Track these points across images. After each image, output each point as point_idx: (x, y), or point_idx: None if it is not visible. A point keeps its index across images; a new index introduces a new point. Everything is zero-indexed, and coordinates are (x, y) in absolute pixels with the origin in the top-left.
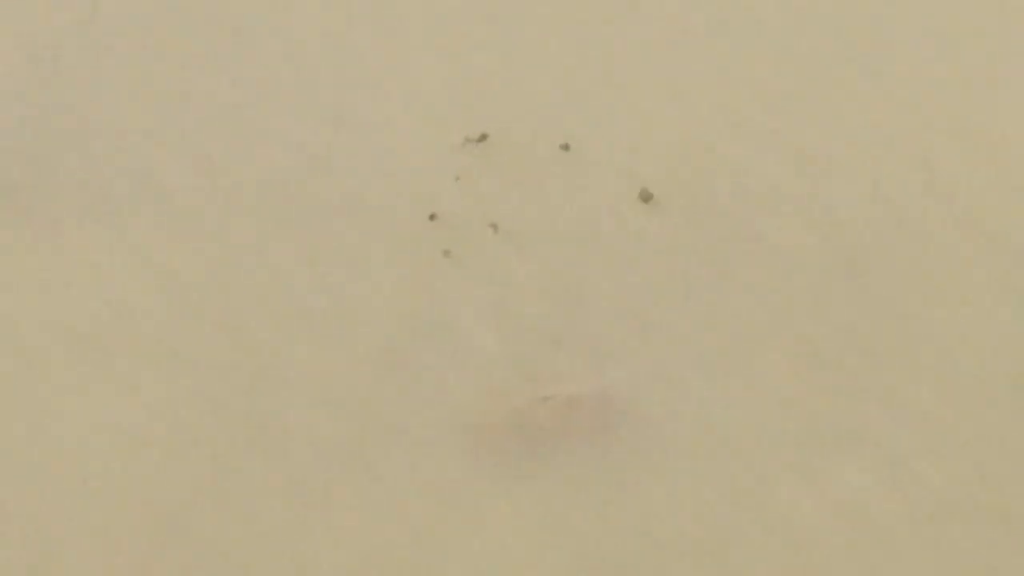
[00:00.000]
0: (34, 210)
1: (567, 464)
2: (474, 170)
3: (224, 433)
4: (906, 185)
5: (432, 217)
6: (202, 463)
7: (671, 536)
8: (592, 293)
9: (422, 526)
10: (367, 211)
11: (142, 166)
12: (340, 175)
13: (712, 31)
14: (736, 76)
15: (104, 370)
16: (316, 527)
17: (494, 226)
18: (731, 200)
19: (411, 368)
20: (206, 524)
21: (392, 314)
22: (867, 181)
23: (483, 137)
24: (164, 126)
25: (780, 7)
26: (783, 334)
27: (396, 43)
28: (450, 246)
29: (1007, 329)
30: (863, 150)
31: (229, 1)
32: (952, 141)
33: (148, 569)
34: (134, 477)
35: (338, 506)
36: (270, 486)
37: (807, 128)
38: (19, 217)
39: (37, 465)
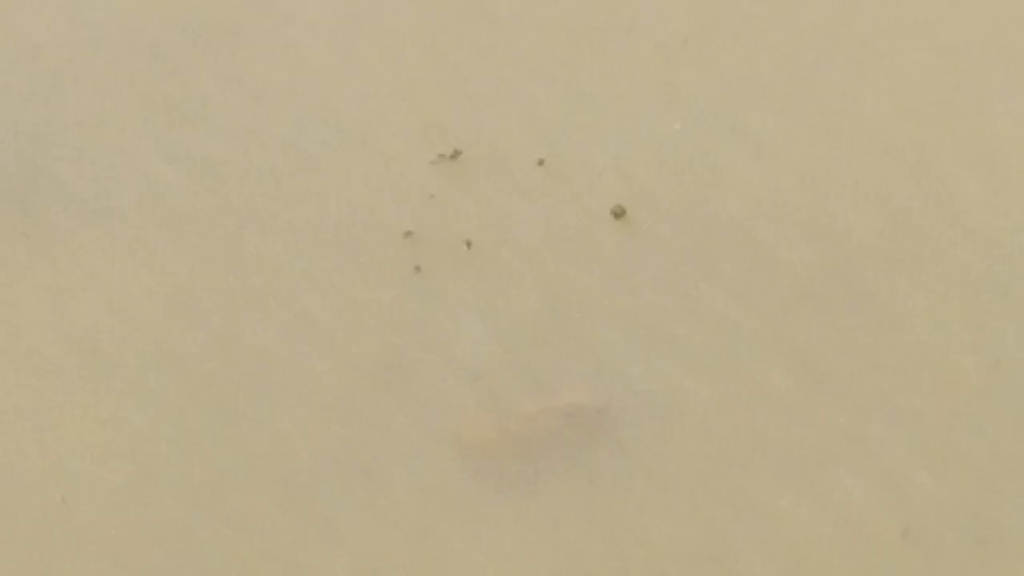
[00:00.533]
0: (29, 215)
1: (563, 473)
2: (449, 187)
3: (220, 441)
4: (905, 192)
5: (407, 235)
6: (199, 470)
7: (668, 544)
8: (572, 305)
9: (418, 534)
10: (341, 229)
11: (132, 171)
12: (314, 193)
13: (694, 45)
14: (719, 90)
15: (101, 378)
16: (311, 536)
17: (468, 243)
18: (716, 213)
19: (397, 381)
20: (203, 530)
21: (373, 329)
22: (863, 189)
23: (456, 154)
24: (152, 130)
25: (766, 21)
26: (777, 341)
27: (368, 59)
28: (423, 263)
29: (1008, 341)
30: (858, 159)
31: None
32: (953, 148)
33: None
34: (132, 483)
35: (333, 514)
36: (266, 495)
37: (797, 138)
38: (13, 222)
39: (36, 471)
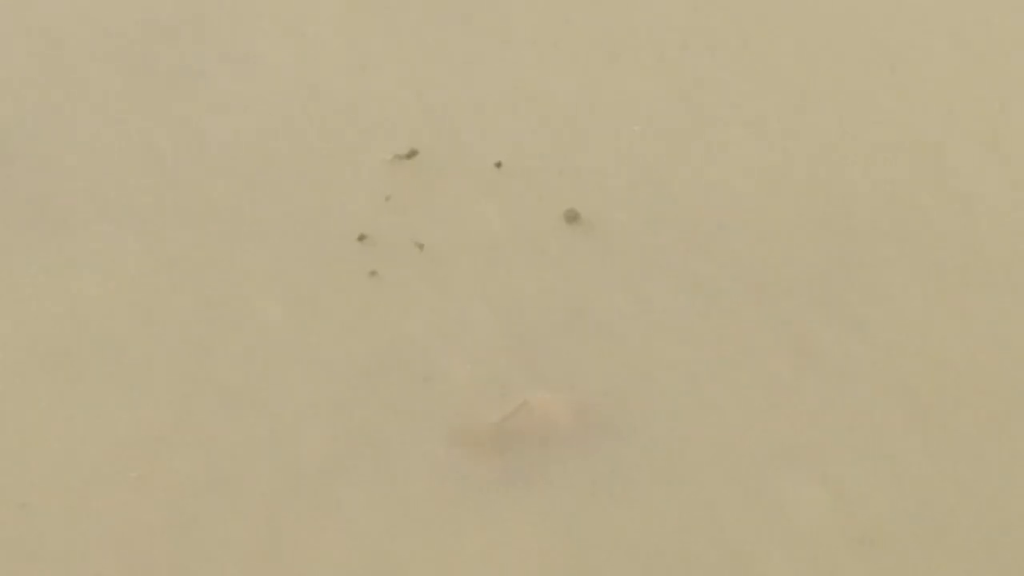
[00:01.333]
0: (31, 204)
1: (545, 475)
2: (405, 189)
3: (201, 447)
4: (913, 181)
5: (361, 238)
6: (201, 462)
7: (652, 545)
8: (527, 309)
9: (405, 534)
10: (295, 232)
11: (94, 175)
12: (268, 194)
13: (652, 49)
14: (677, 93)
15: (73, 387)
16: (297, 539)
17: (420, 245)
18: (675, 215)
19: (369, 386)
20: (204, 521)
21: (329, 335)
22: (819, 193)
23: (412, 153)
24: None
25: (726, 22)
26: (733, 342)
27: (324, 59)
28: (379, 267)
29: (1015, 341)
30: (815, 161)
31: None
32: (962, 135)
33: None
34: (112, 499)
35: (319, 517)
36: (251, 500)
37: (756, 139)
38: (16, 211)
39: (40, 459)
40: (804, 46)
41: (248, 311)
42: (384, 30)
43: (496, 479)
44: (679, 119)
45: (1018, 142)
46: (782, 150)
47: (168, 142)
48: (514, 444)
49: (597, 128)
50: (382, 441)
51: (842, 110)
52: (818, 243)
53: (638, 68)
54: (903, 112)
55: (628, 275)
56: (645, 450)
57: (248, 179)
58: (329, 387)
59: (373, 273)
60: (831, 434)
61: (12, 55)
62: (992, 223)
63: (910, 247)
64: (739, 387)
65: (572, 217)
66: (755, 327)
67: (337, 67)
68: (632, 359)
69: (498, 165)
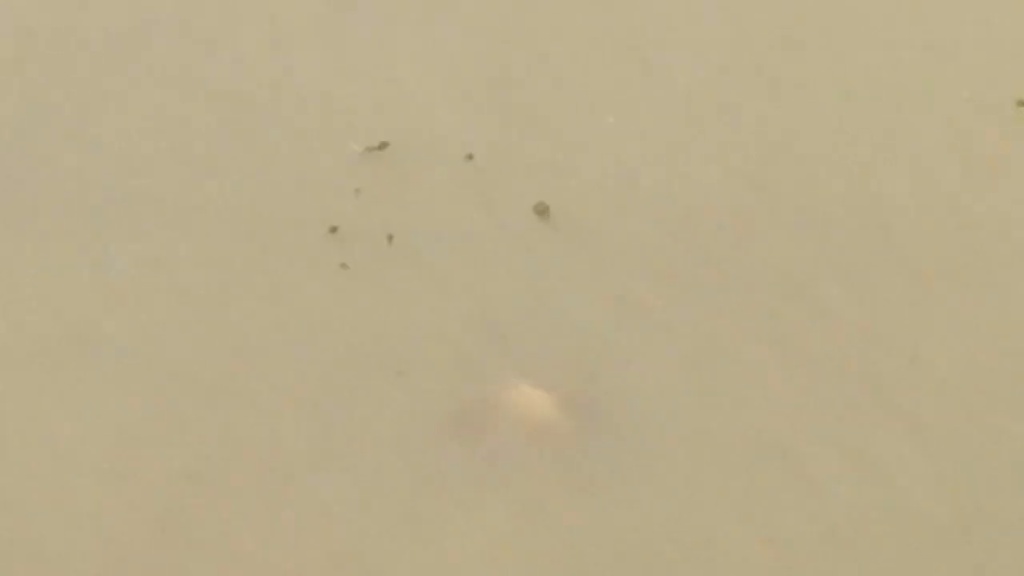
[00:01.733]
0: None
1: (524, 468)
2: (376, 181)
3: (188, 443)
4: (894, 180)
5: (333, 230)
6: (185, 456)
7: (649, 538)
8: (498, 304)
9: (381, 527)
10: (266, 223)
11: (66, 171)
12: (236, 186)
13: (627, 40)
14: (652, 84)
15: (51, 383)
16: (286, 528)
17: (389, 237)
18: (649, 210)
19: (342, 379)
20: (188, 514)
21: (300, 330)
22: (798, 187)
23: (383, 145)
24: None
25: (698, 15)
26: (707, 336)
27: (293, 47)
28: (350, 260)
29: (1000, 335)
30: (793, 155)
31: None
32: (936, 126)
33: None
34: (89, 493)
35: (306, 508)
36: (239, 491)
37: (731, 135)
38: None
39: (24, 455)
40: (777, 35)
41: (218, 304)
42: (355, 21)
43: (474, 472)
44: (653, 111)
45: (990, 138)
46: (757, 142)
47: (137, 134)
48: (492, 437)
49: (570, 121)
50: (355, 435)
51: (817, 100)
52: (794, 235)
53: (610, 61)
54: (878, 102)
55: (601, 267)
56: (624, 442)
57: (217, 170)
58: (301, 380)
59: (344, 266)
60: (808, 426)
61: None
62: (968, 218)
63: (887, 239)
64: (717, 378)
65: (542, 210)
66: (731, 319)
67: (308, 58)
68: (609, 351)
69: (469, 157)
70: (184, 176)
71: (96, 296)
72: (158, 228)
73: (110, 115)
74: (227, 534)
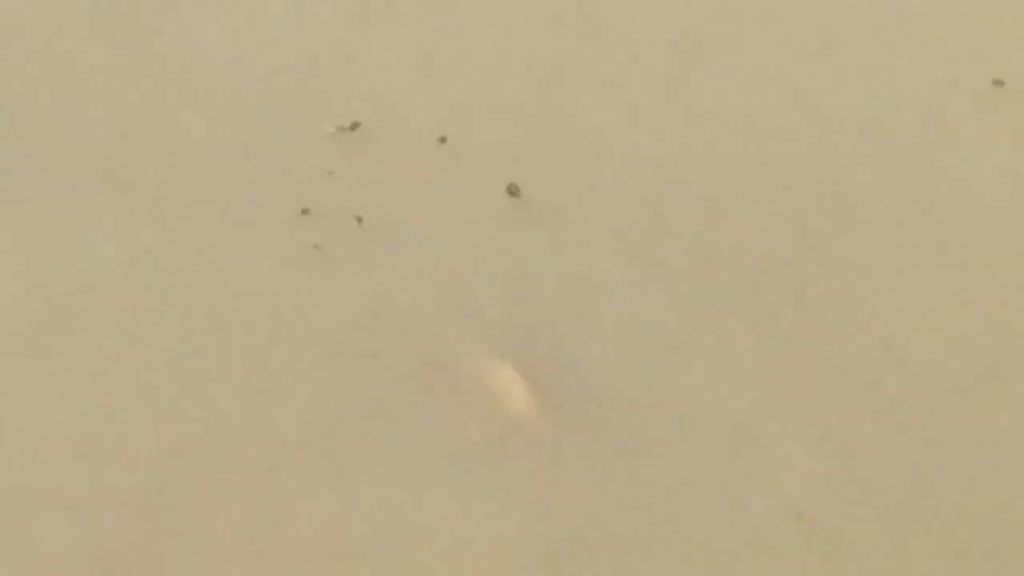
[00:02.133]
0: None
1: (503, 449)
2: (348, 163)
3: (173, 432)
4: (867, 160)
5: (304, 212)
6: (154, 462)
7: (634, 519)
8: (469, 283)
9: (374, 505)
10: (239, 204)
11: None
12: (210, 168)
13: (595, 19)
14: (623, 65)
15: (38, 368)
16: (282, 513)
17: (359, 218)
18: (619, 189)
19: (313, 360)
20: (176, 498)
21: (283, 310)
22: (761, 162)
23: (355, 126)
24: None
25: None
26: (678, 311)
27: (267, 30)
28: (322, 240)
29: (969, 317)
30: (754, 133)
31: None
32: (905, 103)
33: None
34: (77, 480)
35: (304, 492)
36: (229, 479)
37: (700, 114)
38: None
39: (10, 439)
40: (751, 13)
41: (193, 287)
42: (328, 3)
43: (451, 455)
44: (627, 92)
45: (965, 117)
46: (731, 122)
47: (112, 117)
48: (467, 419)
49: (543, 103)
50: (331, 417)
51: (790, 79)
52: (767, 217)
53: (584, 42)
54: (853, 81)
55: (574, 248)
56: (597, 422)
57: (191, 152)
58: (276, 362)
59: (316, 247)
60: (780, 408)
61: None
62: (941, 198)
63: (859, 220)
64: (689, 359)
65: (514, 191)
66: (703, 301)
67: (281, 40)
68: (582, 331)
69: (442, 140)
70: (157, 158)
71: (74, 278)
72: (134, 210)
73: (86, 99)
74: (208, 515)
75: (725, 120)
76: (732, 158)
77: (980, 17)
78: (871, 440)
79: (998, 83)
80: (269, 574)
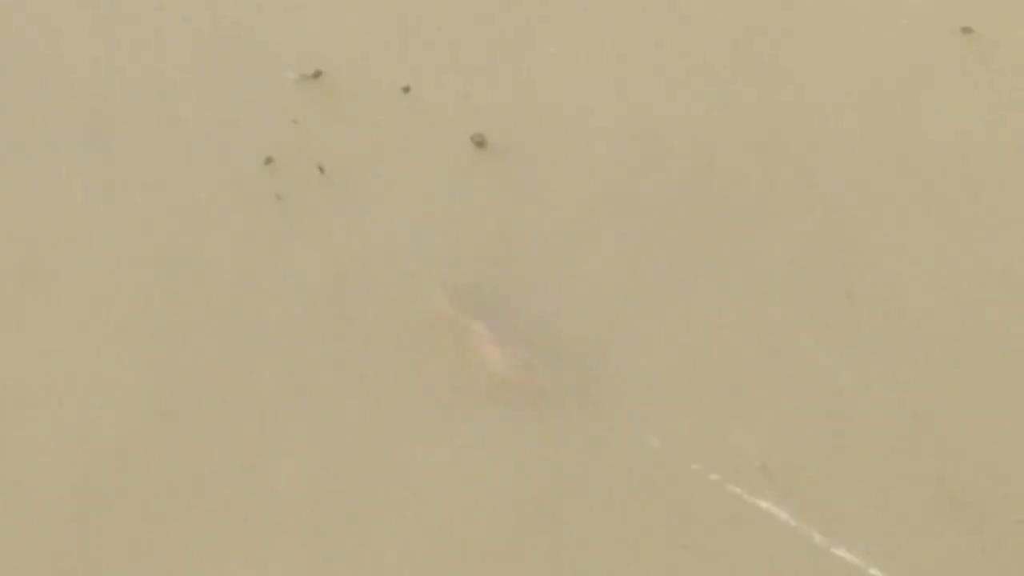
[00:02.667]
0: None
1: (477, 408)
2: (312, 112)
3: (155, 382)
4: (835, 107)
5: (267, 161)
6: (152, 396)
7: (609, 475)
8: (433, 234)
9: (360, 457)
10: (200, 154)
11: None
12: (174, 116)
13: None
14: (592, 15)
15: (18, 320)
16: (262, 461)
17: (321, 167)
18: (583, 142)
19: (278, 312)
20: (155, 453)
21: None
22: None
23: (317, 74)
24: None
25: None
26: (641, 264)
27: None
28: (284, 191)
29: (937, 266)
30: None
31: None
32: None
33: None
34: (63, 435)
35: (285, 438)
36: (211, 428)
37: (672, 67)
38: None
39: None
40: None
41: (153, 235)
42: None
43: (430, 407)
44: (597, 43)
45: (934, 66)
46: (706, 75)
47: (78, 67)
48: (436, 375)
49: (509, 52)
50: (291, 372)
51: (758, 26)
52: (746, 168)
53: None
54: (820, 29)
55: (539, 197)
56: (578, 376)
57: (152, 100)
58: (236, 313)
59: (279, 197)
60: (759, 360)
61: None
62: (909, 148)
63: (827, 170)
64: (670, 311)
65: (479, 141)
66: (680, 251)
67: None
68: (549, 280)
69: (406, 89)
70: (118, 108)
71: (44, 231)
72: (98, 160)
73: (55, 47)
74: (195, 469)
75: (697, 68)
76: (705, 107)
77: None
78: (850, 393)
79: (966, 30)
80: (252, 519)
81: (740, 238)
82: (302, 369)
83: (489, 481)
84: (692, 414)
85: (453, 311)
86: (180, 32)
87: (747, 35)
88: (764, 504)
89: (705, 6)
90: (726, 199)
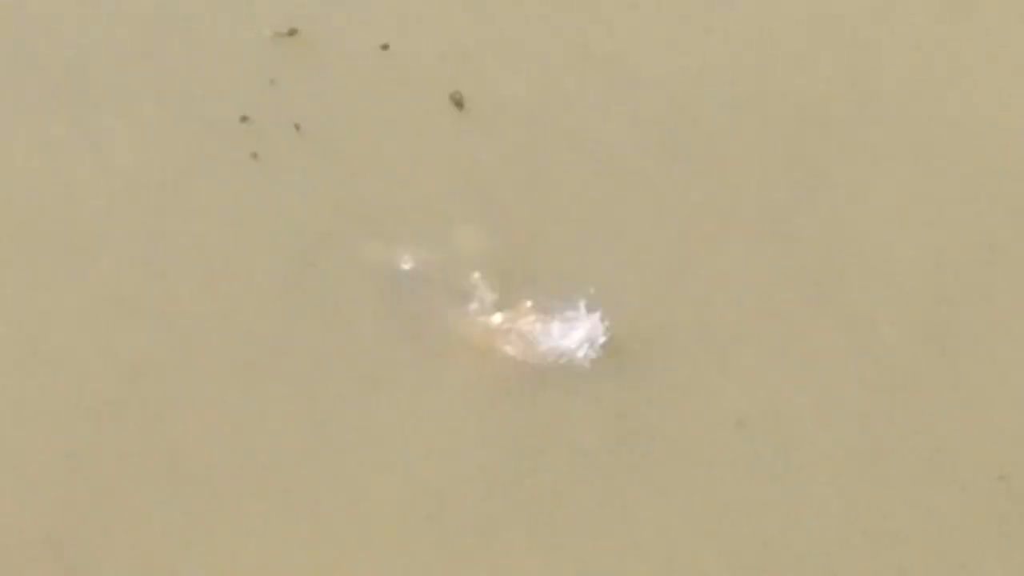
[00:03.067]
0: None
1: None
2: (288, 70)
3: (133, 339)
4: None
5: (243, 119)
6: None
7: (596, 437)
8: (410, 193)
9: (342, 418)
10: (175, 112)
11: None
12: (149, 74)
13: None
14: None
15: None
16: (242, 419)
17: (297, 126)
18: (564, 103)
19: (252, 269)
20: (129, 412)
21: (221, 220)
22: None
23: (293, 32)
24: None
25: None
26: (620, 230)
27: None
28: (260, 149)
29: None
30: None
31: None
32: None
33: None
34: (43, 391)
35: (264, 395)
36: (189, 384)
37: (660, 27)
38: None
39: None
40: None
41: (129, 194)
42: None
43: (410, 364)
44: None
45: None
46: (689, 29)
47: (48, 25)
48: (417, 334)
49: (488, 8)
50: (268, 329)
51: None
52: (739, 124)
53: None
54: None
55: (522, 157)
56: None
57: (127, 59)
58: (212, 270)
59: (255, 155)
60: (759, 317)
61: None
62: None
63: (818, 124)
64: (656, 265)
65: (458, 100)
66: (666, 204)
67: None
68: (528, 238)
69: (384, 47)
70: (93, 65)
71: (27, 184)
72: (80, 117)
73: (30, 6)
74: (174, 428)
75: (684, 22)
76: (685, 60)
77: None
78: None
79: None
80: (238, 478)
81: (734, 194)
82: (280, 327)
83: (476, 433)
84: (683, 368)
85: (432, 268)
86: None
87: None
88: (736, 461)
89: None
90: (705, 149)
